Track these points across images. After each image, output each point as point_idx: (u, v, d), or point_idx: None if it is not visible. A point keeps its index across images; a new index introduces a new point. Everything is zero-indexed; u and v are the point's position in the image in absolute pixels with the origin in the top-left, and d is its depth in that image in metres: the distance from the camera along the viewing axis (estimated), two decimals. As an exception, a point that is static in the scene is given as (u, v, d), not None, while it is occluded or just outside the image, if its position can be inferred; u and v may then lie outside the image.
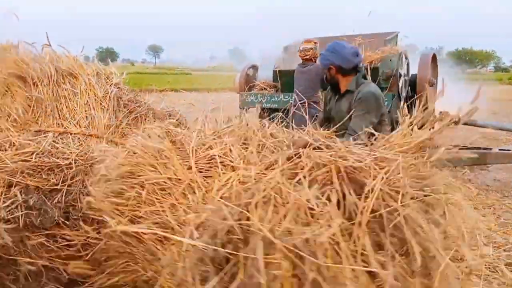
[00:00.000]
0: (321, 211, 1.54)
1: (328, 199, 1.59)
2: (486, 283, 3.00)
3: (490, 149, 5.47)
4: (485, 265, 3.25)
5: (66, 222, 2.49)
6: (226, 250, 1.55)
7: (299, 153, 1.82)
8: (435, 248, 1.53)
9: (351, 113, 2.62)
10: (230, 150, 2.11)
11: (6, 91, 2.68)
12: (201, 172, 2.03)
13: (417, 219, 1.57)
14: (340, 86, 2.84)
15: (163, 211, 1.94)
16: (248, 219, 1.56)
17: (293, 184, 1.66)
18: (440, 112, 5.96)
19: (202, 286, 1.54)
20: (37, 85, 2.71)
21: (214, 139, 2.22)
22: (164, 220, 1.92)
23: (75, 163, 2.58)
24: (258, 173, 1.85)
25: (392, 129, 4.56)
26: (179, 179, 1.99)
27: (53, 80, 2.75)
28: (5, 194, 2.26)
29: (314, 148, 1.83)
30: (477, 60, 69.20)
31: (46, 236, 2.40)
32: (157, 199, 1.99)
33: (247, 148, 2.14)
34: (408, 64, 5.22)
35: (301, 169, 1.73)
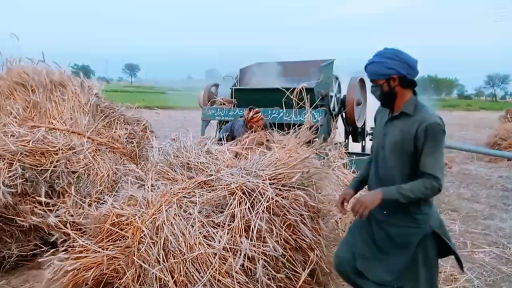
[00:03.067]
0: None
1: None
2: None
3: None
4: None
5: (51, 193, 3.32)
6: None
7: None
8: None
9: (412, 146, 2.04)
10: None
11: (10, 94, 3.52)
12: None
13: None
14: (396, 103, 2.14)
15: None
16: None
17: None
18: (371, 127, 7.10)
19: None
20: (34, 91, 3.57)
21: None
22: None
23: (60, 150, 3.43)
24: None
25: (324, 137, 5.60)
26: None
27: (47, 89, 3.62)
28: (8, 168, 3.07)
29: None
30: (441, 87, 73.03)
31: (37, 202, 3.21)
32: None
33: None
34: (339, 86, 6.30)
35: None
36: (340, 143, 6.32)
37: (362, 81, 6.56)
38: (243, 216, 2.45)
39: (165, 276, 2.35)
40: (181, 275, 2.32)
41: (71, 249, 2.82)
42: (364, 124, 6.91)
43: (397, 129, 2.09)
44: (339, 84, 6.31)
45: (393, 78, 2.09)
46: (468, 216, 5.08)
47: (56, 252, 2.82)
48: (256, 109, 4.75)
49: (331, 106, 5.91)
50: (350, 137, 6.98)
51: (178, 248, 2.39)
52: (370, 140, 7.20)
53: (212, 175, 2.80)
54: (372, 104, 7.39)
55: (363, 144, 7.09)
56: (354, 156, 6.24)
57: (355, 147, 7.36)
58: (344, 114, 6.45)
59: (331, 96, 5.94)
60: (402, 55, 2.10)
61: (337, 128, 6.22)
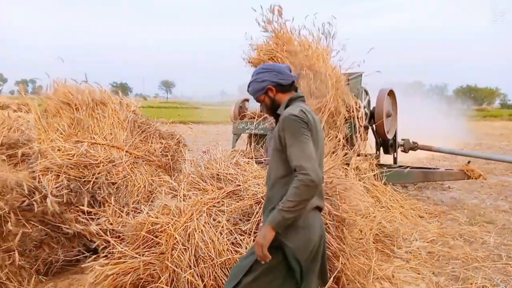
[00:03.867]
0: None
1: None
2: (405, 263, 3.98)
3: (438, 168, 6.47)
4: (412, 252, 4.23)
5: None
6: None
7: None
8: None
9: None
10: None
11: (57, 112, 3.86)
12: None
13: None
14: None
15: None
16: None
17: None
18: (402, 139, 7.04)
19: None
20: (78, 109, 3.89)
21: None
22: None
23: (101, 163, 3.70)
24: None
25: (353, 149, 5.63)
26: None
27: (90, 107, 3.94)
28: (55, 180, 3.36)
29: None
30: (482, 97, 70.28)
31: (80, 211, 3.47)
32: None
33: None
34: (368, 98, 6.33)
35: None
36: (371, 155, 6.32)
37: (391, 93, 6.56)
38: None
39: (196, 280, 2.51)
40: (210, 279, 2.46)
41: (111, 255, 3.04)
42: (395, 135, 6.87)
43: (274, 132, 2.03)
44: (368, 97, 6.35)
45: (270, 88, 2.09)
46: (505, 228, 4.94)
47: (98, 258, 3.04)
48: None
49: (360, 118, 5.95)
50: (382, 149, 6.95)
51: (207, 254, 2.54)
52: (402, 151, 7.14)
53: (239, 185, 2.95)
54: (405, 115, 7.38)
55: (395, 156, 7.04)
56: (385, 168, 6.23)
57: (387, 159, 7.33)
58: (374, 127, 6.45)
59: (360, 108, 5.98)
60: (268, 65, 2.16)
61: (367, 140, 6.23)
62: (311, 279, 1.94)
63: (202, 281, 2.49)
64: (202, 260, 2.53)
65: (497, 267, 3.76)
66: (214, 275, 2.48)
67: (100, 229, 3.21)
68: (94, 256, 3.07)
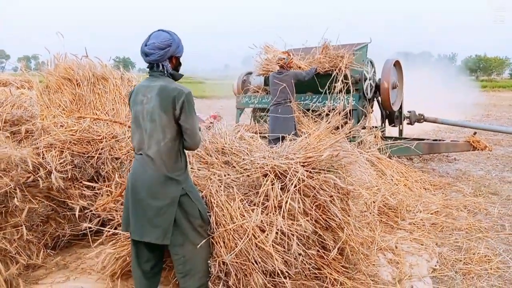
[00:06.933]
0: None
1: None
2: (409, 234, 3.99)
3: (443, 140, 6.42)
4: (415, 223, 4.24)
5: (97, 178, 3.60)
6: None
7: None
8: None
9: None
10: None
11: (58, 88, 3.83)
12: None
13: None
14: None
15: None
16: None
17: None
18: (408, 111, 6.96)
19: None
20: (79, 85, 3.85)
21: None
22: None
23: (104, 138, 3.69)
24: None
25: (358, 121, 5.58)
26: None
27: (91, 82, 3.90)
28: (59, 156, 3.37)
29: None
30: (491, 67, 68.65)
31: (85, 186, 3.49)
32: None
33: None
34: (374, 70, 6.21)
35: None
36: (376, 127, 6.27)
37: (398, 63, 6.42)
38: (276, 196, 2.58)
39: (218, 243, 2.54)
40: (229, 241, 2.49)
41: (116, 237, 3.06)
42: (401, 107, 6.78)
43: None
44: (373, 68, 6.23)
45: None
46: (510, 199, 4.93)
47: (102, 238, 3.06)
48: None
49: (365, 90, 5.86)
50: (387, 121, 6.88)
51: (224, 219, 2.56)
52: (408, 123, 7.07)
53: (245, 159, 2.93)
54: (411, 87, 7.26)
55: (400, 128, 6.98)
56: (390, 140, 6.19)
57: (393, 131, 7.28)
58: (379, 98, 6.36)
59: (366, 80, 5.88)
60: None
61: (372, 111, 6.16)
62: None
63: (224, 242, 2.51)
64: (221, 225, 2.55)
65: (500, 237, 3.78)
66: (231, 238, 2.51)
67: (105, 209, 3.21)
68: (99, 240, 3.07)
